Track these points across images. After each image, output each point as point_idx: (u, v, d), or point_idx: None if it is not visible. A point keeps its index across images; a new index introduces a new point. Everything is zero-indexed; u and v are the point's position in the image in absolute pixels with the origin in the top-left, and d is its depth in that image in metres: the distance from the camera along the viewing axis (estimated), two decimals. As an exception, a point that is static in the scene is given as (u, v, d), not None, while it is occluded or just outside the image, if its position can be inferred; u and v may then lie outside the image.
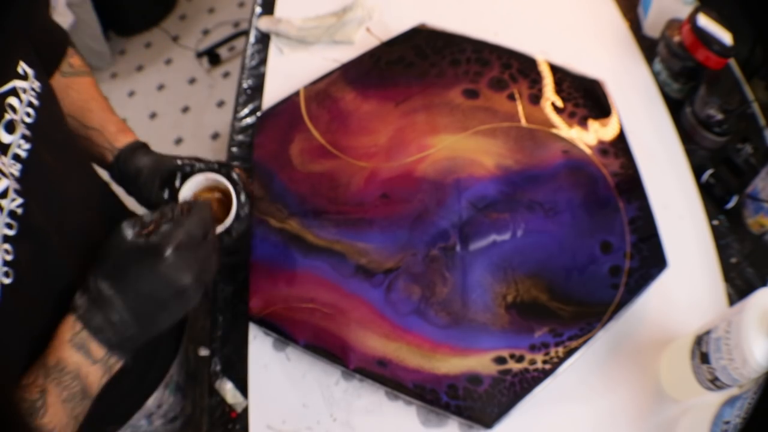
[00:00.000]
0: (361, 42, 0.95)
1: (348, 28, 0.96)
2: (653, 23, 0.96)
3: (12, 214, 0.47)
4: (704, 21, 0.84)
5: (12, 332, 0.49)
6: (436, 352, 0.65)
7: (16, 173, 0.48)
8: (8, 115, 0.48)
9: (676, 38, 0.87)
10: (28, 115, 0.51)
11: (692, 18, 0.84)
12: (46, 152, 0.52)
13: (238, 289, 0.76)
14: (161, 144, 2.03)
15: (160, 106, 2.14)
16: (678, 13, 0.91)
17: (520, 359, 0.64)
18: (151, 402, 0.77)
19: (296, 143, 0.81)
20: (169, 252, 0.49)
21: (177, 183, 0.66)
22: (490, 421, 0.61)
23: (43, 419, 0.49)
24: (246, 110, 0.92)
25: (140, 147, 0.69)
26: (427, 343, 0.65)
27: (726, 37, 0.83)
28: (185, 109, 2.13)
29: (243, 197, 0.65)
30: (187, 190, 0.65)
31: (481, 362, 0.64)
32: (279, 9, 1.02)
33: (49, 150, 0.53)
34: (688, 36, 0.84)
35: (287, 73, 0.93)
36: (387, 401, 0.66)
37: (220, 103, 2.13)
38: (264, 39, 0.99)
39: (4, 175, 0.47)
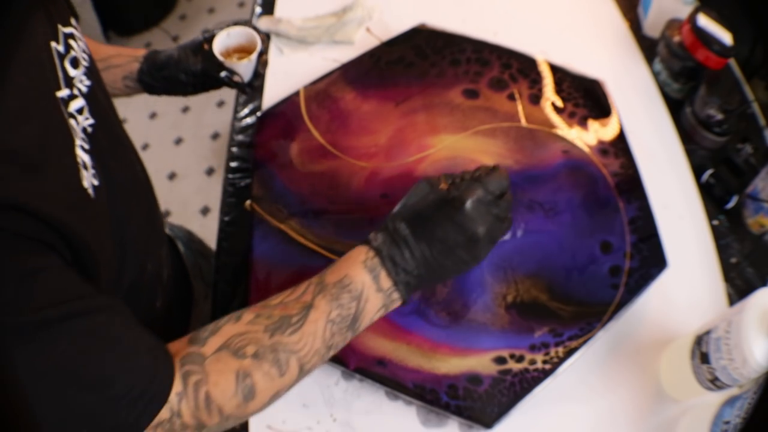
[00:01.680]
0: (361, 42, 0.95)
1: (348, 28, 0.96)
2: (653, 23, 0.96)
3: (84, 130, 0.51)
4: (704, 21, 0.84)
5: (105, 229, 0.51)
6: (436, 352, 0.65)
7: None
8: (73, 52, 0.52)
9: (676, 38, 0.87)
10: (84, 58, 0.55)
11: (692, 18, 0.85)
12: (99, 92, 0.57)
13: (238, 289, 0.76)
14: (161, 144, 2.03)
15: (160, 106, 2.14)
16: (678, 13, 0.91)
17: (520, 359, 0.64)
18: None
19: (296, 143, 0.81)
20: (468, 204, 0.52)
21: (206, 47, 0.75)
22: (490, 421, 0.61)
23: (293, 336, 0.50)
24: (246, 110, 0.92)
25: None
26: (427, 343, 0.65)
27: (726, 37, 0.83)
28: (185, 109, 2.13)
29: (260, 46, 0.75)
30: (217, 46, 0.74)
31: (481, 362, 0.64)
32: (279, 9, 1.02)
33: (102, 91, 0.58)
34: (688, 36, 0.84)
35: (287, 73, 0.93)
36: (387, 401, 0.66)
37: (220, 103, 2.13)
38: (264, 39, 0.99)
39: (80, 94, 0.51)
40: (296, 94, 0.86)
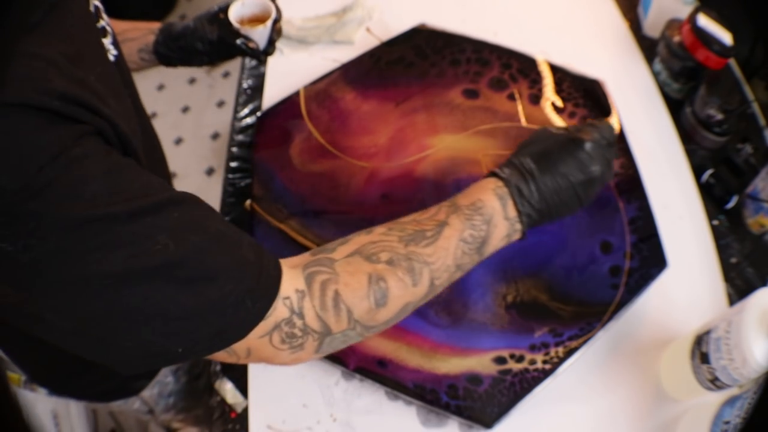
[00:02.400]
0: (361, 42, 0.95)
1: (348, 28, 0.96)
2: (653, 23, 0.96)
3: None
4: (704, 21, 0.84)
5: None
6: (436, 352, 0.65)
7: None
8: (102, 21, 0.53)
9: (676, 38, 0.87)
10: (109, 29, 0.56)
11: (692, 18, 0.85)
12: (123, 63, 0.59)
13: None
14: (161, 143, 2.03)
15: (160, 106, 2.14)
16: (678, 13, 0.91)
17: (520, 359, 0.64)
18: None
19: (296, 143, 0.81)
20: (588, 144, 0.56)
21: (221, 16, 0.76)
22: (490, 421, 0.61)
23: (427, 248, 0.51)
24: (246, 110, 0.92)
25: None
26: (427, 343, 0.65)
27: (726, 37, 0.83)
28: (185, 109, 2.13)
29: (275, 14, 0.77)
30: (233, 14, 0.75)
31: (481, 362, 0.64)
32: (279, 9, 1.02)
33: (125, 62, 0.60)
34: (688, 36, 0.84)
35: (287, 73, 0.93)
36: (387, 401, 0.66)
37: (220, 103, 2.13)
38: (264, 39, 0.99)
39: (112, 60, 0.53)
40: (296, 94, 0.86)
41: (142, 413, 0.85)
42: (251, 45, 0.76)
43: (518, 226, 0.56)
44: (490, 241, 0.55)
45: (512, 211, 0.55)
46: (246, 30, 0.75)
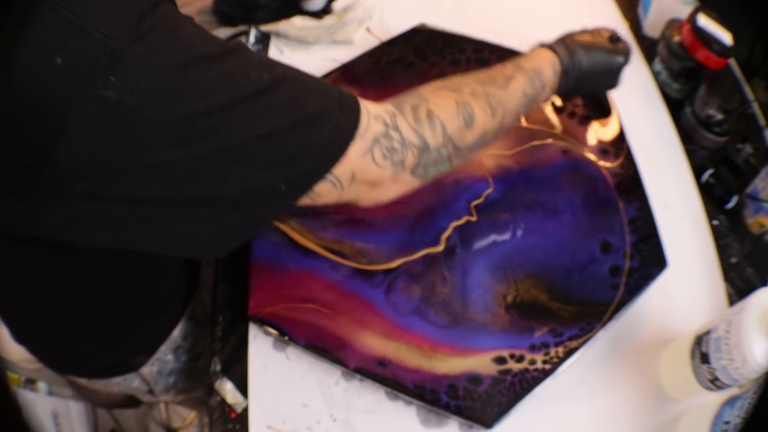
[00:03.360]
0: (361, 42, 0.95)
1: (348, 28, 0.96)
2: (653, 23, 0.96)
3: None
4: (704, 21, 0.84)
5: None
6: (436, 352, 0.65)
7: None
8: None
9: (676, 38, 0.87)
10: None
11: (692, 18, 0.85)
12: None
13: (238, 289, 0.75)
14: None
15: (160, 106, 2.13)
16: (678, 13, 0.91)
17: (520, 359, 0.64)
18: (177, 333, 0.80)
19: (296, 143, 0.81)
20: (619, 60, 0.69)
21: None
22: (490, 421, 0.61)
23: (500, 91, 0.60)
24: (246, 110, 0.92)
25: None
26: (427, 343, 0.65)
27: (726, 37, 0.83)
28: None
29: None
30: None
31: (481, 362, 0.64)
32: (279, 9, 1.02)
33: None
34: (688, 36, 0.84)
35: (287, 73, 0.92)
36: (387, 401, 0.66)
37: (220, 103, 2.13)
38: (264, 39, 0.99)
39: None
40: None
41: (142, 393, 0.85)
42: (311, 3, 0.81)
43: (552, 96, 0.67)
44: (538, 101, 0.65)
45: (555, 85, 0.66)
46: None
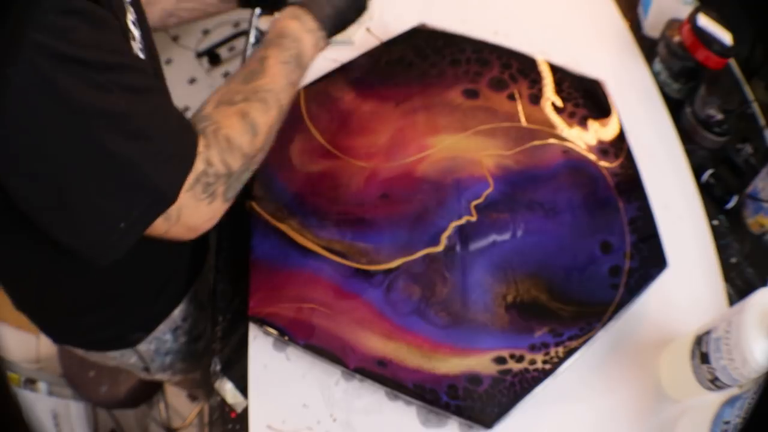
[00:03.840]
0: (361, 42, 0.95)
1: (348, 28, 0.96)
2: (653, 23, 0.96)
3: (134, 3, 0.61)
4: (704, 21, 0.84)
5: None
6: (436, 352, 0.65)
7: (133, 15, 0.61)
8: None
9: (676, 38, 0.87)
10: None
11: (692, 18, 0.85)
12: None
13: (238, 289, 0.76)
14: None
15: (160, 106, 2.14)
16: (678, 13, 0.91)
17: (520, 359, 0.64)
18: (177, 313, 0.81)
19: (296, 143, 0.81)
20: None
21: None
22: (490, 421, 0.61)
23: (263, 80, 0.62)
24: (246, 110, 0.92)
25: None
26: (427, 343, 0.65)
27: (726, 37, 0.83)
28: (185, 109, 2.13)
29: None
30: None
31: (481, 362, 0.64)
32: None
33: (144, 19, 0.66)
34: (688, 36, 0.84)
35: (287, 73, 0.92)
36: (387, 401, 0.66)
37: (220, 103, 2.13)
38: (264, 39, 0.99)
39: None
40: (296, 93, 0.86)
41: (138, 369, 0.86)
42: None
43: (320, 33, 0.68)
44: (303, 53, 0.66)
45: (311, 23, 0.67)
46: None
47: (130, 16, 0.57)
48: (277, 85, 0.63)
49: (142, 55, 0.57)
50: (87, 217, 0.50)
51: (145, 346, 0.81)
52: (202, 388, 1.04)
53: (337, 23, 0.70)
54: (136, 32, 0.57)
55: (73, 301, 0.71)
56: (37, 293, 0.72)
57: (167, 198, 0.52)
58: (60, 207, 0.50)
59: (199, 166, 0.54)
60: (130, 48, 0.55)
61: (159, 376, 0.91)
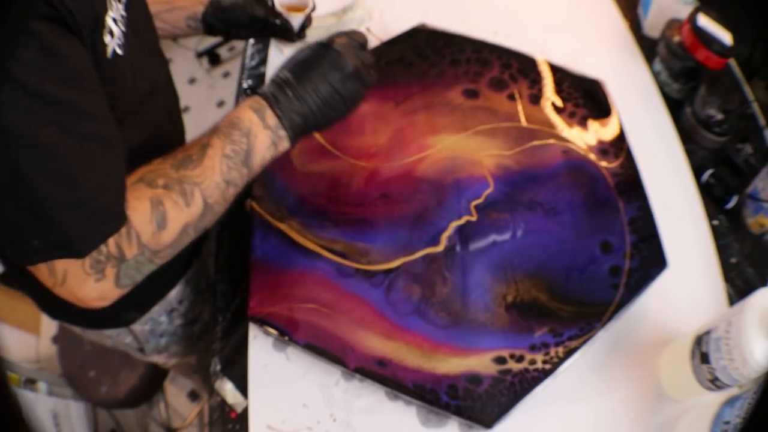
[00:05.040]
0: (361, 42, 0.95)
1: (348, 28, 0.96)
2: (653, 23, 0.96)
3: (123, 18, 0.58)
4: (704, 21, 0.84)
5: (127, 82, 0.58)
6: (436, 352, 0.65)
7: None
8: None
9: (676, 38, 0.87)
10: None
11: (692, 18, 0.85)
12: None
13: (238, 289, 0.76)
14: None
15: (160, 106, 2.13)
16: (678, 13, 0.91)
17: (520, 359, 0.64)
18: (173, 295, 0.82)
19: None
20: (337, 45, 0.61)
21: (269, 2, 0.87)
22: (490, 421, 0.61)
23: (194, 170, 0.56)
24: (246, 110, 0.92)
25: None
26: (427, 343, 0.65)
27: (726, 37, 0.83)
28: (185, 109, 2.13)
29: (312, 5, 0.88)
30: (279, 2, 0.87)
31: (481, 362, 0.64)
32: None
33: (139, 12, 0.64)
34: (688, 36, 0.84)
35: (287, 73, 0.93)
36: (387, 401, 0.66)
37: (220, 103, 2.13)
38: (264, 39, 0.99)
39: None
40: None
41: (133, 349, 0.87)
42: (289, 27, 0.87)
43: (282, 132, 0.60)
44: (254, 153, 0.59)
45: (272, 119, 0.60)
46: (287, 15, 0.87)
47: (113, 13, 0.55)
48: (210, 181, 0.56)
49: (120, 51, 0.55)
50: (1, 224, 0.49)
51: (140, 327, 0.81)
52: (198, 374, 1.04)
53: (309, 124, 0.61)
54: (116, 29, 0.55)
55: None
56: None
57: (76, 249, 0.50)
58: None
59: None
60: (94, 87, 0.51)
61: (154, 358, 0.91)
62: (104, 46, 0.53)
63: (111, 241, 0.51)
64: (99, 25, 0.52)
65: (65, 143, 0.47)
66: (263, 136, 0.59)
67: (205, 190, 0.56)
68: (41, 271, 0.51)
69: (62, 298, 0.54)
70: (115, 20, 0.55)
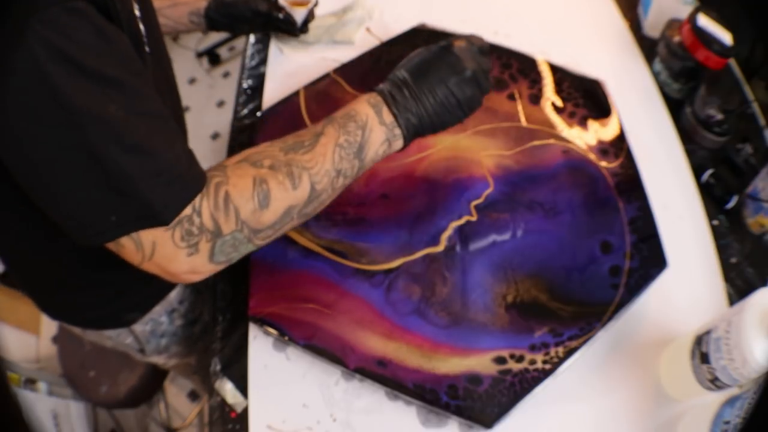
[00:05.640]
0: (361, 42, 0.95)
1: (348, 28, 0.96)
2: (653, 23, 0.96)
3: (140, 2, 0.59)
4: (704, 21, 0.84)
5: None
6: (436, 352, 0.65)
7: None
8: None
9: (676, 38, 0.87)
10: None
11: (692, 18, 0.85)
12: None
13: (238, 289, 0.76)
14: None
15: (160, 106, 2.14)
16: (678, 13, 0.91)
17: (520, 359, 0.64)
18: (173, 296, 0.82)
19: (296, 143, 0.81)
20: (456, 47, 0.60)
21: None
22: (490, 421, 0.61)
23: (305, 155, 0.55)
24: (246, 110, 0.92)
25: None
26: (427, 343, 0.65)
27: (726, 37, 0.83)
28: (185, 109, 2.12)
29: (315, 1, 0.90)
30: None
31: (481, 362, 0.64)
32: (279, 9, 1.02)
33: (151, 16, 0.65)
34: (688, 36, 0.84)
35: (287, 73, 0.93)
36: (387, 401, 0.66)
37: (220, 103, 2.13)
38: (264, 39, 0.99)
39: None
40: (296, 94, 0.86)
41: (133, 350, 0.87)
42: (292, 21, 0.88)
43: (397, 131, 0.59)
44: (368, 146, 0.58)
45: (388, 117, 0.58)
46: (290, 9, 0.89)
47: (137, 12, 0.56)
48: (319, 167, 0.55)
49: (147, 49, 0.56)
50: (74, 205, 0.49)
51: (141, 327, 0.81)
52: (198, 374, 1.05)
53: (424, 125, 0.60)
54: (141, 26, 0.56)
55: (69, 279, 0.72)
56: (34, 269, 0.72)
57: (160, 217, 0.49)
58: (51, 193, 0.49)
59: (186, 209, 0.51)
60: (141, 71, 0.52)
61: (154, 359, 0.91)
62: (142, 39, 0.55)
63: (206, 213, 0.51)
64: (134, 21, 0.54)
65: (132, 118, 0.47)
66: (379, 132, 0.58)
67: (314, 175, 0.55)
68: (126, 248, 0.51)
69: (150, 273, 0.53)
70: (139, 18, 0.57)
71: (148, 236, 0.50)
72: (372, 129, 0.58)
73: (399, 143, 0.60)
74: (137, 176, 0.48)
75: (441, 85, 0.59)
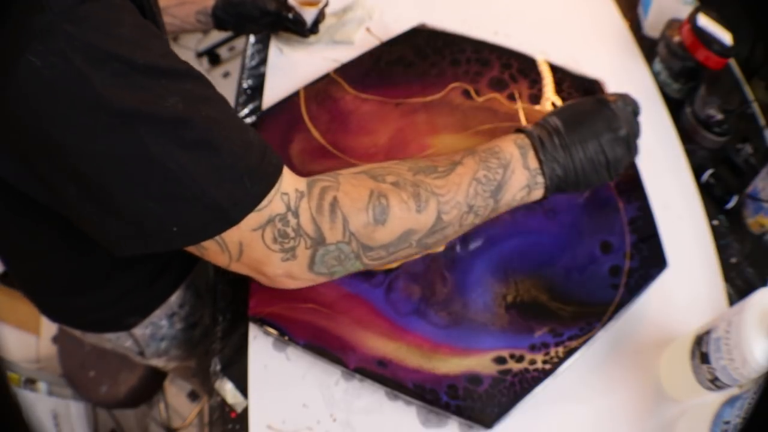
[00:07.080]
0: (361, 42, 0.95)
1: (348, 28, 0.96)
2: (653, 23, 0.96)
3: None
4: (704, 21, 0.84)
5: None
6: (436, 352, 0.65)
7: None
8: None
9: (676, 38, 0.87)
10: None
11: (692, 18, 0.85)
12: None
13: (238, 289, 0.75)
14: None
15: (160, 106, 2.13)
16: (678, 13, 0.91)
17: (520, 359, 0.64)
18: (173, 299, 0.81)
19: (296, 143, 0.81)
20: (613, 104, 0.57)
21: None
22: (490, 421, 0.61)
23: (436, 180, 0.50)
24: (246, 110, 0.92)
25: None
26: (427, 343, 0.65)
27: (726, 37, 0.83)
28: (185, 109, 2.13)
29: (325, 1, 0.88)
30: None
31: (481, 362, 0.64)
32: (279, 9, 1.02)
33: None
34: (688, 36, 0.84)
35: (287, 73, 0.93)
36: (387, 401, 0.66)
37: (220, 103, 2.13)
38: (264, 39, 0.99)
39: None
40: (296, 94, 0.86)
41: (133, 353, 0.87)
42: (301, 21, 0.87)
43: (540, 179, 0.55)
44: (506, 187, 0.53)
45: (533, 162, 0.54)
46: (300, 9, 0.87)
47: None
48: (450, 197, 0.50)
49: None
50: (133, 215, 0.44)
51: (141, 330, 0.81)
52: (198, 377, 1.05)
53: (569, 179, 0.55)
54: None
55: (68, 283, 0.71)
56: (35, 271, 0.72)
57: (228, 217, 0.44)
58: (105, 204, 0.44)
59: (278, 206, 0.45)
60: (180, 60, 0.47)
61: (154, 362, 0.91)
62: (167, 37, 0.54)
63: (305, 215, 0.46)
64: (160, 18, 0.53)
65: (190, 110, 0.43)
66: (521, 175, 0.54)
67: (444, 204, 0.50)
68: (209, 250, 0.46)
69: (242, 274, 0.49)
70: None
71: (232, 236, 0.45)
72: (514, 171, 0.53)
73: (539, 193, 0.56)
74: (200, 175, 0.43)
75: (594, 140, 0.55)
